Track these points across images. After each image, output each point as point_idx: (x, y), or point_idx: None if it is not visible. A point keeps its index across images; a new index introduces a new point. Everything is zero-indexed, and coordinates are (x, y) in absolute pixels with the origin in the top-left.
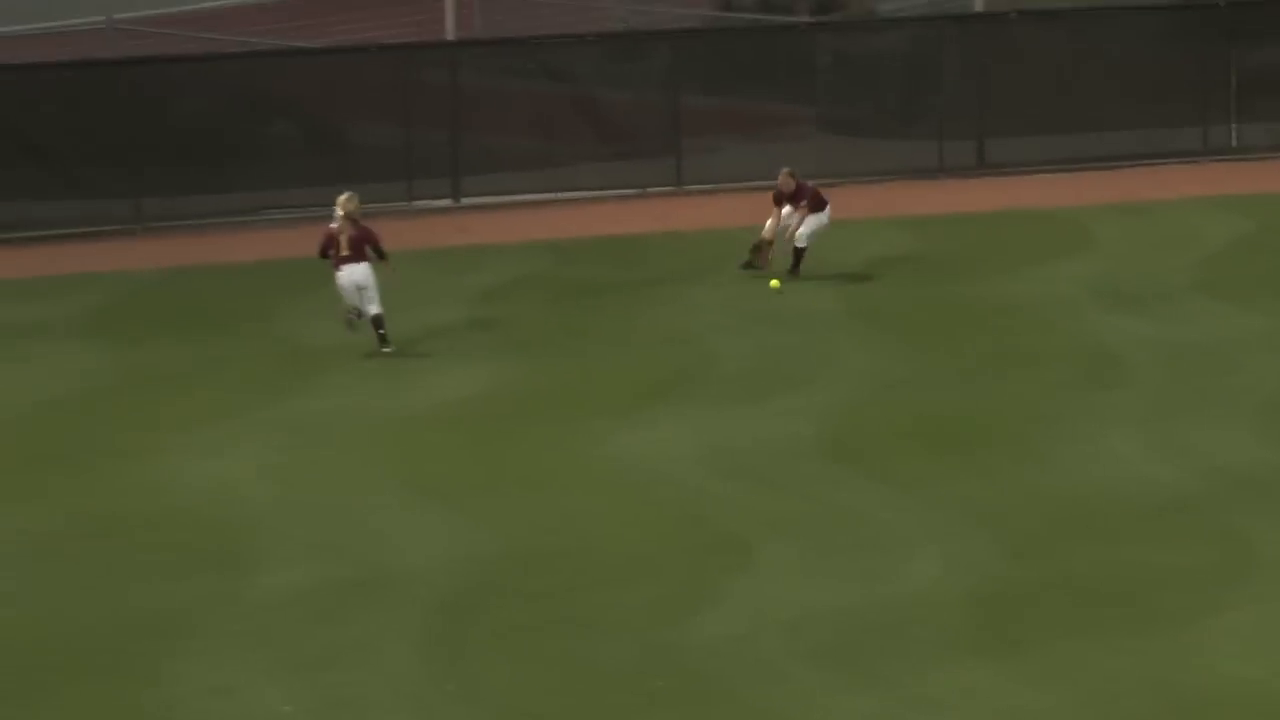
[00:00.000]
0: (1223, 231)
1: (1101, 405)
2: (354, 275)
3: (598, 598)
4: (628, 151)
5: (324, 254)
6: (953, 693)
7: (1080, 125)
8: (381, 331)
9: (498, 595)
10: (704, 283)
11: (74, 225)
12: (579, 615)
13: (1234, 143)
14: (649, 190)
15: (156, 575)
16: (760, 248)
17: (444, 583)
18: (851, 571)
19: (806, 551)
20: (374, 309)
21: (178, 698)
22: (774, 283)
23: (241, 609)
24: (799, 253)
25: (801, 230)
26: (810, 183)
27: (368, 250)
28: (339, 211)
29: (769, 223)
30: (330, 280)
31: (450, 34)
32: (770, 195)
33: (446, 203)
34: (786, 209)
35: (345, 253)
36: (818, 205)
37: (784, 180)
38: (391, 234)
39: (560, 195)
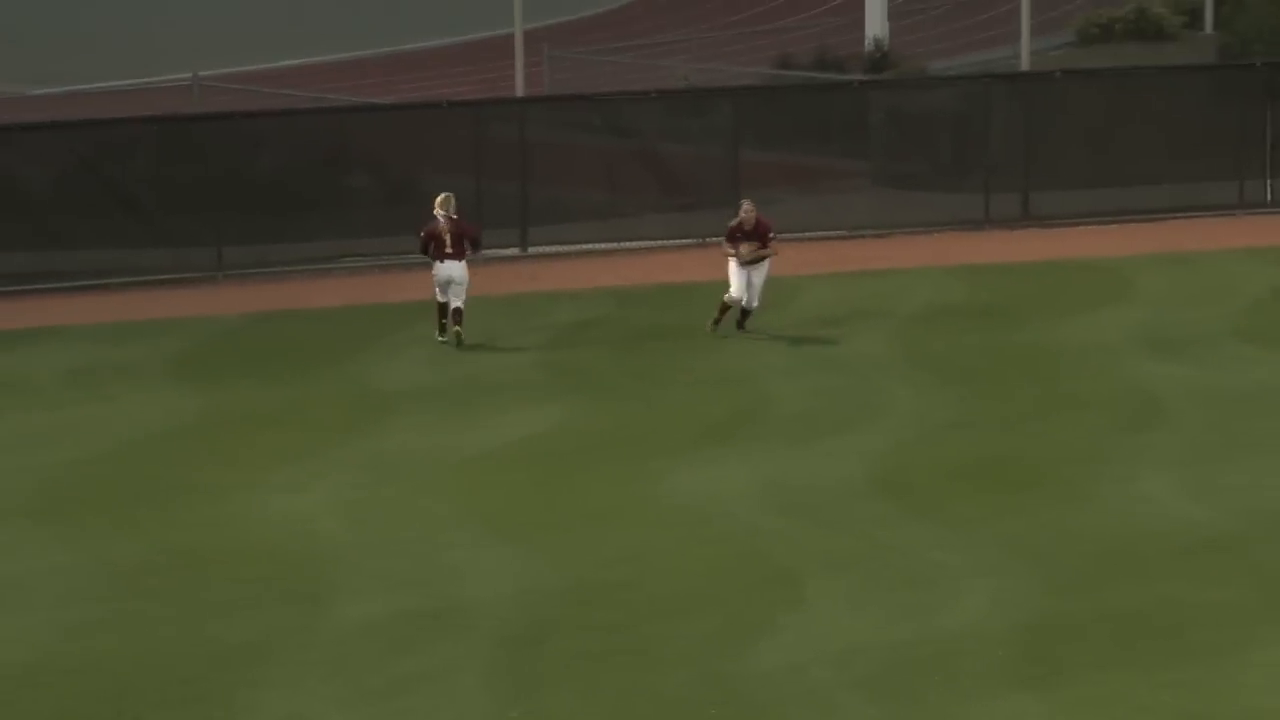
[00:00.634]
0: (1259, 281)
1: (1142, 448)
2: (451, 270)
3: (657, 629)
4: (689, 203)
5: (425, 250)
6: None
7: (1121, 179)
8: (457, 328)
9: (562, 627)
10: (760, 327)
11: (160, 272)
12: (639, 646)
13: (1269, 197)
14: (708, 240)
15: (236, 607)
16: (729, 308)
17: (511, 615)
18: (900, 606)
19: (857, 586)
20: (458, 303)
21: None
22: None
23: (316, 639)
24: (749, 312)
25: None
26: (767, 219)
27: (465, 246)
28: (439, 212)
29: (735, 282)
30: (406, 324)
31: (520, 90)
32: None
33: (514, 251)
34: (745, 248)
35: (449, 249)
36: (766, 240)
37: (748, 214)
38: None
39: (624, 245)
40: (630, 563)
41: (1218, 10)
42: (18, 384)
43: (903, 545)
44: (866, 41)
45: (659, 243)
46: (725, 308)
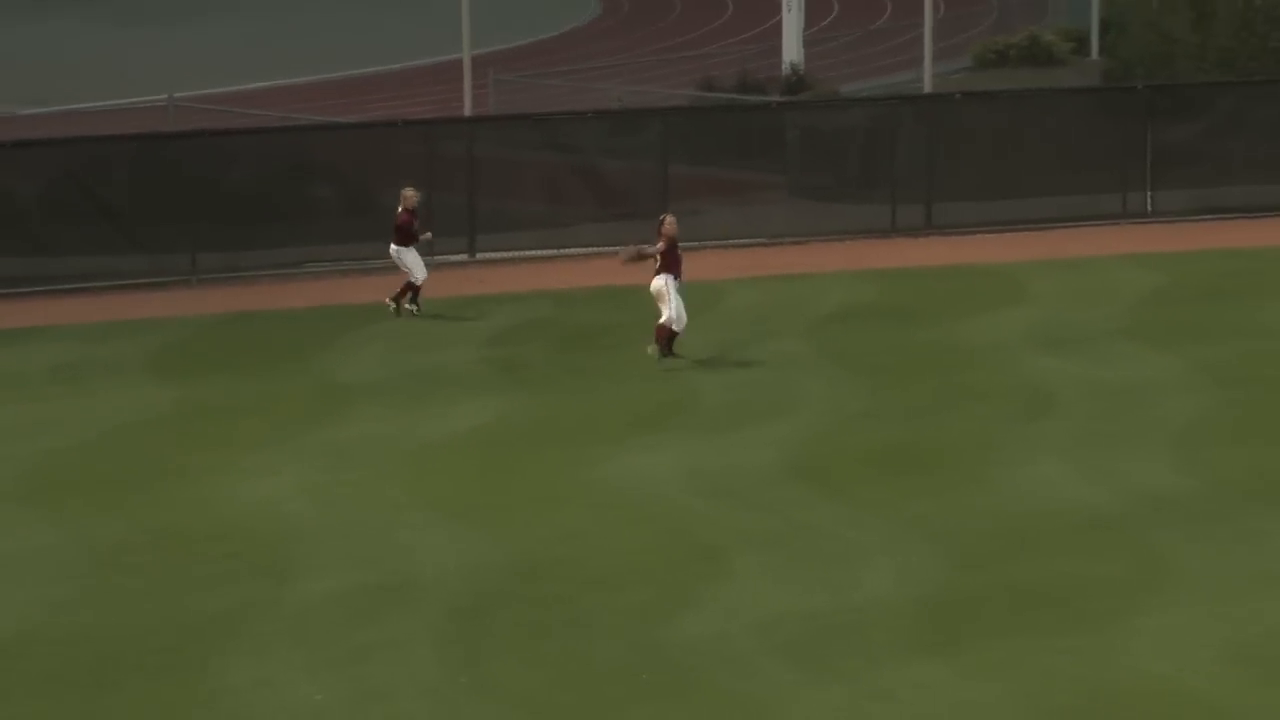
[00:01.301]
0: (1141, 284)
1: (1036, 435)
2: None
3: (594, 602)
4: (623, 213)
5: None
6: (906, 685)
7: (1016, 191)
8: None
9: (507, 600)
10: (687, 326)
11: (140, 276)
12: (578, 617)
13: (1149, 208)
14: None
15: (209, 582)
16: (668, 333)
17: (460, 589)
18: (816, 579)
19: (776, 562)
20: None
21: (224, 689)
22: (651, 349)
23: (283, 612)
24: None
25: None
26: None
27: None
28: (413, 204)
29: (675, 305)
30: (366, 323)
31: (468, 110)
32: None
33: (463, 257)
34: (662, 281)
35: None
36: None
37: (673, 225)
38: None
39: (564, 251)
40: (569, 541)
41: (1103, 37)
42: (7, 379)
43: (818, 524)
44: (784, 66)
45: (596, 249)
46: (672, 334)
